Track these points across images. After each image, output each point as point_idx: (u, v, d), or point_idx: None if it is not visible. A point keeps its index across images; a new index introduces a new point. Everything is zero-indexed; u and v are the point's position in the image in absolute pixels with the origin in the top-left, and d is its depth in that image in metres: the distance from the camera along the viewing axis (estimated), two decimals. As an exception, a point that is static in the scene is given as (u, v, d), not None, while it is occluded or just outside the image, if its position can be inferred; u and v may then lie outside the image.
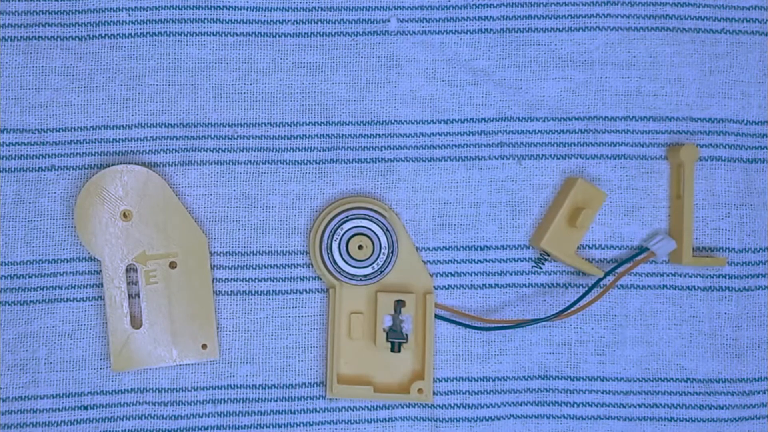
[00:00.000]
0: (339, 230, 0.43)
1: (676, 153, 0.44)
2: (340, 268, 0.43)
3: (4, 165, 0.44)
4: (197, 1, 0.44)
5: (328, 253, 0.43)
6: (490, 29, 0.45)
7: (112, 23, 0.44)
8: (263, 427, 0.44)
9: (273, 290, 0.44)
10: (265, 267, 0.44)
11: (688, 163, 0.44)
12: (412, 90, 0.45)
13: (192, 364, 0.44)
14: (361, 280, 0.43)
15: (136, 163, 0.43)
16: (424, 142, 0.45)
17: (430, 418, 0.44)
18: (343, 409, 0.44)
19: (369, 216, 0.43)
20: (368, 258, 0.43)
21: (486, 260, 0.45)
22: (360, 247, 0.43)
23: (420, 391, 0.43)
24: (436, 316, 0.44)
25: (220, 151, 0.44)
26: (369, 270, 0.43)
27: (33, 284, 0.44)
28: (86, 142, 0.44)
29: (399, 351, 0.43)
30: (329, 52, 0.45)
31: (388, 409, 0.44)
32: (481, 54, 0.45)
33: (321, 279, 0.44)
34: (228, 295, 0.44)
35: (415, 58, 0.45)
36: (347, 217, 0.43)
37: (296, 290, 0.44)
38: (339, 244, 0.43)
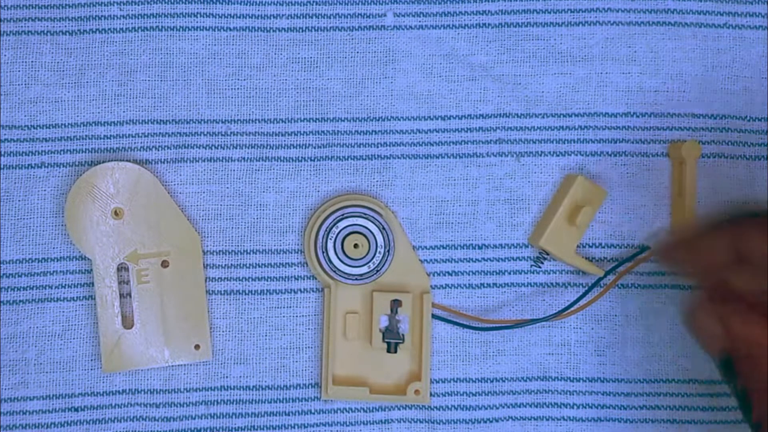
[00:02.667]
0: (334, 229, 0.43)
1: (677, 150, 0.43)
2: (335, 267, 0.43)
3: (-7, 162, 0.43)
4: (190, -5, 0.44)
5: (323, 252, 0.43)
6: (488, 24, 0.44)
7: (103, 17, 0.44)
8: (257, 429, 0.43)
9: (267, 290, 0.44)
10: (259, 266, 0.44)
11: (690, 160, 0.43)
12: (409, 86, 0.44)
13: (184, 365, 0.43)
14: (356, 279, 0.43)
15: (127, 160, 0.43)
16: (421, 138, 0.44)
17: (427, 420, 0.44)
18: (339, 411, 0.44)
19: (365, 214, 0.43)
20: (364, 257, 0.43)
21: (484, 259, 0.44)
22: (355, 245, 0.43)
23: (417, 392, 0.43)
24: (433, 316, 0.43)
25: (213, 148, 0.44)
26: (365, 269, 0.43)
27: (22, 283, 0.43)
28: (77, 139, 0.43)
29: (395, 352, 0.43)
30: (324, 47, 0.44)
31: (385, 410, 0.44)
32: (479, 49, 0.44)
33: (316, 278, 0.44)
34: (221, 294, 0.44)
35: (411, 53, 0.44)
36: (343, 215, 0.43)
37: (291, 290, 0.44)
38: (334, 242, 0.43)
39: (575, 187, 0.43)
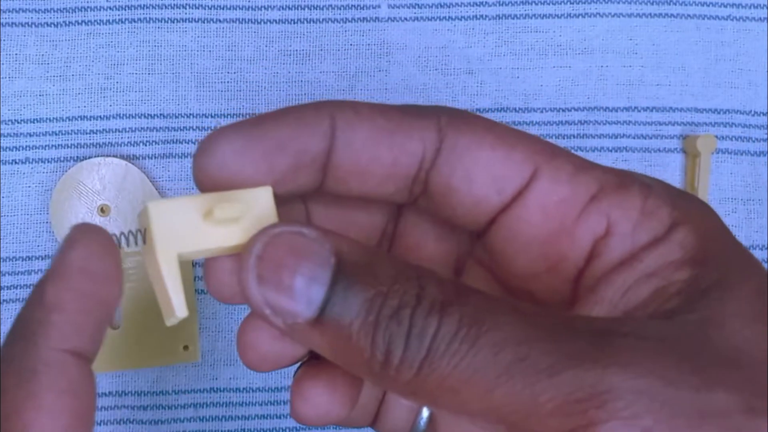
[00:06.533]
0: (327, 226, 0.42)
1: (692, 143, 0.42)
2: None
3: (-24, 158, 0.42)
4: (179, -13, 0.43)
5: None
6: (486, 15, 0.43)
7: (89, 9, 0.42)
8: (248, 433, 0.42)
9: (258, 289, 0.43)
10: (249, 264, 0.43)
11: (705, 153, 0.42)
12: (404, 79, 0.43)
13: (173, 367, 0.42)
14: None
15: (114, 156, 0.42)
16: (417, 133, 0.43)
17: (423, 423, 0.43)
18: (332, 414, 0.43)
19: (358, 211, 0.42)
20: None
21: (481, 257, 0.43)
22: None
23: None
24: (429, 316, 0.42)
25: (202, 143, 0.43)
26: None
27: (6, 282, 0.42)
28: (62, 134, 0.42)
29: (390, 352, 0.42)
30: (317, 40, 0.43)
31: (379, 413, 0.43)
32: (476, 41, 0.43)
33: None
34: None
35: (407, 45, 0.43)
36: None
37: (282, 289, 0.43)
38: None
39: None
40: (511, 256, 0.24)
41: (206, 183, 0.22)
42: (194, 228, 0.22)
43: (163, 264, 0.22)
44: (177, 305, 0.22)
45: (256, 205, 0.22)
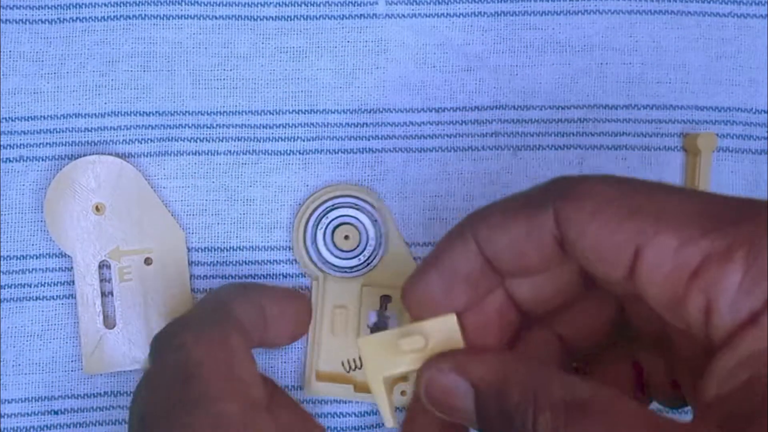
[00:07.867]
0: (324, 219, 0.41)
1: (693, 141, 0.42)
2: (324, 258, 0.41)
3: (-30, 156, 0.42)
4: (174, -17, 0.42)
5: (312, 243, 0.41)
6: (484, 12, 0.43)
7: (84, 6, 0.42)
8: (244, 433, 0.42)
9: (254, 288, 0.42)
10: (245, 263, 0.42)
11: (706, 151, 0.42)
12: (402, 76, 0.43)
13: (168, 366, 0.42)
14: (346, 271, 0.41)
15: (109, 154, 0.41)
16: (414, 131, 0.43)
17: (421, 424, 0.42)
18: (329, 415, 0.42)
19: (357, 205, 0.41)
20: (354, 249, 0.41)
21: (480, 256, 0.43)
22: (346, 237, 0.41)
23: (403, 393, 0.41)
24: (427, 316, 0.42)
25: (198, 141, 0.42)
26: (355, 261, 0.41)
27: (2, 281, 0.42)
28: (57, 132, 0.42)
29: (386, 352, 0.41)
30: (314, 37, 0.43)
31: (377, 415, 0.42)
32: (475, 38, 0.43)
33: (304, 276, 0.42)
34: (207, 293, 0.42)
35: (404, 42, 0.43)
36: (333, 205, 0.41)
37: (279, 288, 0.42)
38: (324, 233, 0.41)
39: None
40: (647, 320, 0.28)
41: (414, 312, 0.31)
42: (393, 355, 0.29)
43: (373, 386, 0.29)
44: (386, 418, 0.29)
45: (443, 330, 0.29)
